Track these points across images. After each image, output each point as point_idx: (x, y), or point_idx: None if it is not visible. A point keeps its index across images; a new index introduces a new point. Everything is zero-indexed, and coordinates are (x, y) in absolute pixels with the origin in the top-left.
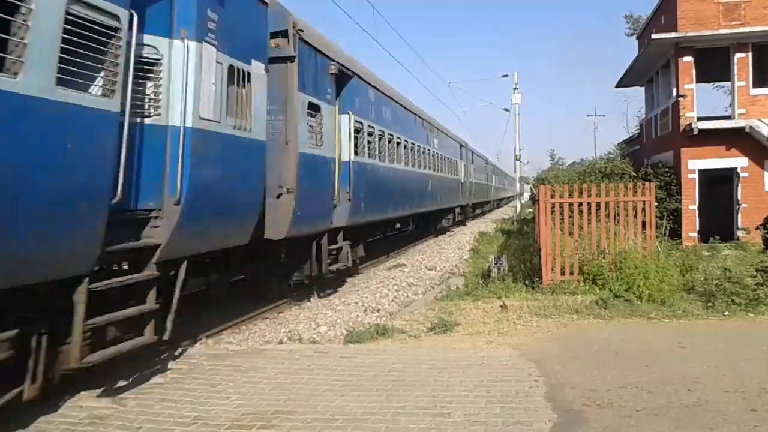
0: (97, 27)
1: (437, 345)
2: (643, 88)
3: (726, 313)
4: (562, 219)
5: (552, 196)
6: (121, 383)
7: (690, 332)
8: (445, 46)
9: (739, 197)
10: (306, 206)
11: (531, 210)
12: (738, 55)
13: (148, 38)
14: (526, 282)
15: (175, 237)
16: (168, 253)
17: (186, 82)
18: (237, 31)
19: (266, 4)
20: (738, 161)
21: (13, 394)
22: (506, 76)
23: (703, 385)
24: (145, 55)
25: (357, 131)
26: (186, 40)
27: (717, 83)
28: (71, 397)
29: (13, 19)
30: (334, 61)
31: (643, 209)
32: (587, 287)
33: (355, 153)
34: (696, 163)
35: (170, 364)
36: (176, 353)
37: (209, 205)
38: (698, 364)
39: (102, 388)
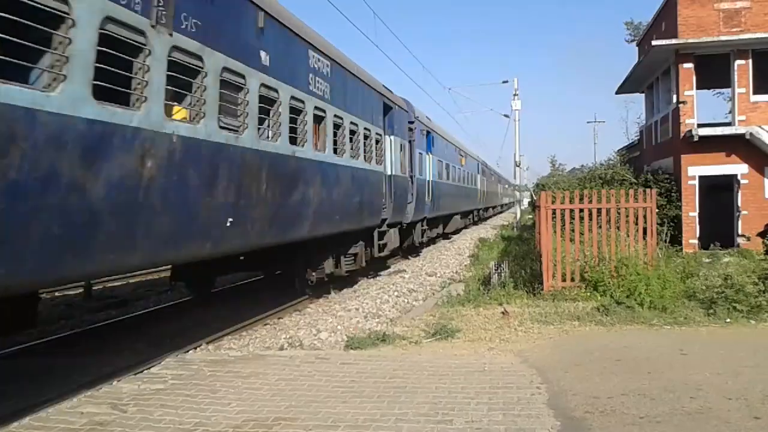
0: None
1: (438, 351)
2: (643, 95)
3: (728, 320)
4: (563, 225)
5: (552, 202)
6: (122, 389)
7: (692, 339)
8: (446, 52)
9: (740, 204)
10: None
11: (531, 216)
12: (738, 62)
13: None
14: (527, 288)
15: None
16: None
17: None
18: None
19: None
20: (738, 168)
21: None
22: (506, 82)
23: (705, 392)
24: None
25: None
26: None
27: (717, 90)
28: (72, 403)
29: None
30: None
31: (644, 216)
32: (588, 294)
33: None
34: (696, 169)
35: (171, 370)
36: (176, 359)
37: None
38: (700, 371)
39: (103, 394)
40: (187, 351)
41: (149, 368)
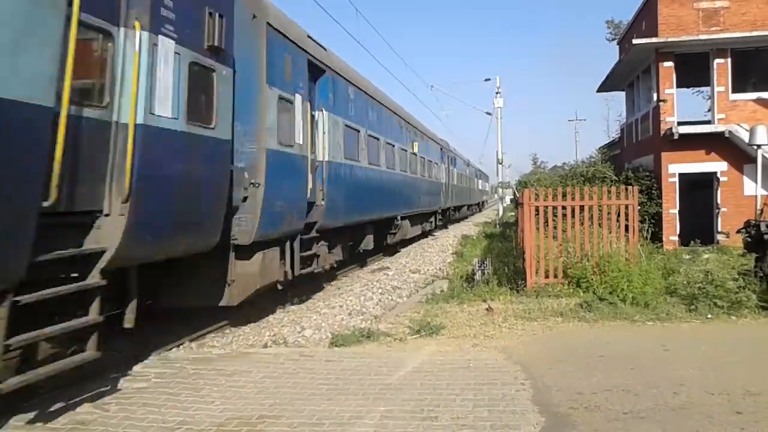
0: None
1: (423, 348)
2: (624, 93)
3: (709, 315)
4: (546, 222)
5: (536, 200)
6: (104, 388)
7: (674, 335)
8: (428, 50)
9: (719, 201)
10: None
11: (513, 213)
12: (717, 61)
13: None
14: (511, 285)
15: None
16: None
17: None
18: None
19: None
20: (718, 165)
21: None
22: (489, 80)
23: (688, 388)
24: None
25: None
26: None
27: (697, 88)
28: (52, 402)
29: None
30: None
31: (626, 213)
32: (571, 290)
33: None
34: (676, 167)
35: (153, 369)
36: (159, 357)
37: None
38: (683, 367)
39: (84, 393)
40: (170, 349)
41: (131, 366)
